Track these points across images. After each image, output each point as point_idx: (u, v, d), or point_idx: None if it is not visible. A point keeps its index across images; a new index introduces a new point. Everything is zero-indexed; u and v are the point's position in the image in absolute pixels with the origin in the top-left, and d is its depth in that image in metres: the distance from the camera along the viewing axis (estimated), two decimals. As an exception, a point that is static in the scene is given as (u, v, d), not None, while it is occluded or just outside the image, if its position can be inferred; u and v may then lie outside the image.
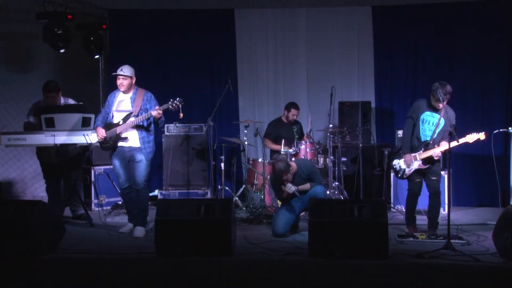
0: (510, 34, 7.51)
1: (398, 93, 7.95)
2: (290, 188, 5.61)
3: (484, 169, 7.21)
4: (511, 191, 6.79)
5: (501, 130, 6.30)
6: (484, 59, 7.64)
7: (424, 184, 5.73)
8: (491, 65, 7.62)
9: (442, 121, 5.55)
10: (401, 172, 5.74)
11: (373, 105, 7.93)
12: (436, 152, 5.47)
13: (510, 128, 6.21)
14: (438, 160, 5.62)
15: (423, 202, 5.90)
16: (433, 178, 5.60)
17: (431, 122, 5.58)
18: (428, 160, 5.55)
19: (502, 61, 7.59)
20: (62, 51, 7.26)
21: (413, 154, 5.60)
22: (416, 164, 5.59)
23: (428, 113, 5.60)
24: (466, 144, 5.47)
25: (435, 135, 5.58)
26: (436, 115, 5.56)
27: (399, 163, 5.75)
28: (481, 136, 5.35)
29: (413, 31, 7.87)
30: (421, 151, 5.57)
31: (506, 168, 6.97)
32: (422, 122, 5.62)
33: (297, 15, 8.16)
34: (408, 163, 5.63)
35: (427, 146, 5.56)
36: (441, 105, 5.45)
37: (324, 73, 8.14)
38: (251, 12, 8.21)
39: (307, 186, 5.75)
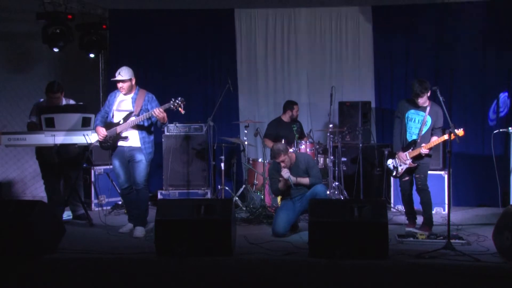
0: (510, 34, 7.51)
1: (398, 93, 7.93)
2: (286, 173, 5.63)
3: (484, 169, 7.20)
4: (511, 191, 6.79)
5: (501, 130, 6.30)
6: (484, 59, 7.63)
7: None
8: (491, 65, 7.61)
9: (429, 119, 5.66)
10: (394, 171, 5.87)
11: (373, 105, 7.93)
12: (423, 150, 5.57)
13: (510, 128, 6.20)
14: (429, 155, 5.68)
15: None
16: (417, 176, 5.74)
17: (417, 120, 5.70)
18: (416, 158, 5.66)
19: (502, 61, 7.58)
20: (56, 50, 7.21)
21: (405, 153, 5.69)
22: (407, 163, 5.69)
23: (412, 111, 5.73)
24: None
25: (422, 132, 5.67)
26: (422, 113, 5.67)
27: (392, 162, 5.88)
28: (460, 133, 5.40)
29: (413, 31, 7.86)
30: (410, 150, 5.68)
31: (506, 168, 6.97)
32: (407, 120, 5.76)
33: (297, 15, 8.16)
34: (402, 161, 5.71)
35: (415, 144, 5.66)
36: (420, 100, 5.59)
37: (324, 73, 8.14)
38: (251, 12, 8.21)
39: (306, 180, 5.75)
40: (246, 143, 7.26)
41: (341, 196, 6.90)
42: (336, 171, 7.09)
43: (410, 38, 7.89)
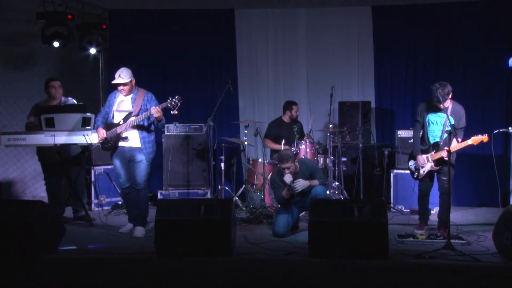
0: (510, 34, 7.51)
1: (398, 93, 7.95)
2: (288, 178, 5.59)
3: (484, 169, 7.20)
4: (511, 191, 6.79)
5: (501, 130, 6.29)
6: (484, 59, 7.64)
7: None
8: (491, 65, 7.61)
9: (451, 120, 5.51)
10: (416, 173, 5.76)
11: (373, 105, 7.93)
12: (444, 154, 5.43)
13: (510, 128, 6.20)
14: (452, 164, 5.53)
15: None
16: (444, 178, 5.57)
17: (438, 122, 5.58)
18: (439, 161, 5.54)
19: (502, 61, 7.57)
20: (56, 44, 7.17)
21: (425, 156, 5.61)
22: (428, 166, 5.60)
23: (433, 114, 5.60)
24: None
25: (445, 135, 5.53)
26: (443, 115, 5.54)
27: (414, 164, 5.77)
28: (484, 138, 5.37)
29: (413, 31, 7.88)
30: (432, 153, 5.58)
31: (506, 168, 6.97)
32: (429, 123, 5.65)
33: (297, 15, 8.16)
34: (421, 165, 5.64)
35: (438, 147, 5.56)
36: (442, 106, 5.47)
37: (324, 73, 8.14)
38: (251, 12, 8.21)
39: (316, 182, 5.71)
40: (246, 143, 7.26)
41: (341, 196, 6.90)
42: (336, 171, 7.08)
43: (410, 38, 7.90)
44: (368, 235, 4.63)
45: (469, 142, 5.40)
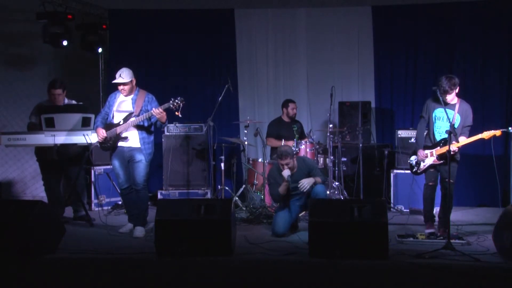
0: (510, 34, 7.51)
1: (398, 93, 7.95)
2: (286, 172, 5.61)
3: (484, 169, 7.20)
4: (511, 191, 6.79)
5: (501, 130, 6.29)
6: (484, 59, 7.63)
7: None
8: (491, 65, 7.61)
9: (458, 117, 5.50)
10: (415, 168, 5.72)
11: (373, 105, 7.93)
12: (452, 147, 5.29)
13: (510, 128, 6.20)
14: (454, 160, 5.48)
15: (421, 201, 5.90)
16: (447, 180, 5.41)
17: (445, 119, 5.45)
18: (443, 156, 5.44)
19: (502, 61, 7.59)
20: (65, 43, 7.15)
21: (429, 151, 5.56)
22: (430, 160, 5.55)
23: (440, 109, 5.50)
24: (467, 144, 5.47)
25: (455, 124, 5.46)
26: (450, 111, 5.47)
27: (415, 158, 5.73)
28: (497, 132, 5.36)
29: (413, 31, 7.88)
30: (438, 148, 5.50)
31: (506, 168, 6.96)
32: (435, 119, 5.59)
33: (297, 15, 8.16)
34: (421, 159, 5.60)
35: (445, 143, 5.43)
36: (448, 97, 5.41)
37: (324, 73, 8.14)
38: (251, 12, 8.22)
39: (318, 179, 5.72)
40: (246, 143, 7.26)
41: (341, 196, 6.90)
42: (336, 171, 7.09)
43: (410, 38, 7.90)
44: (368, 235, 4.63)
45: (480, 136, 5.35)
